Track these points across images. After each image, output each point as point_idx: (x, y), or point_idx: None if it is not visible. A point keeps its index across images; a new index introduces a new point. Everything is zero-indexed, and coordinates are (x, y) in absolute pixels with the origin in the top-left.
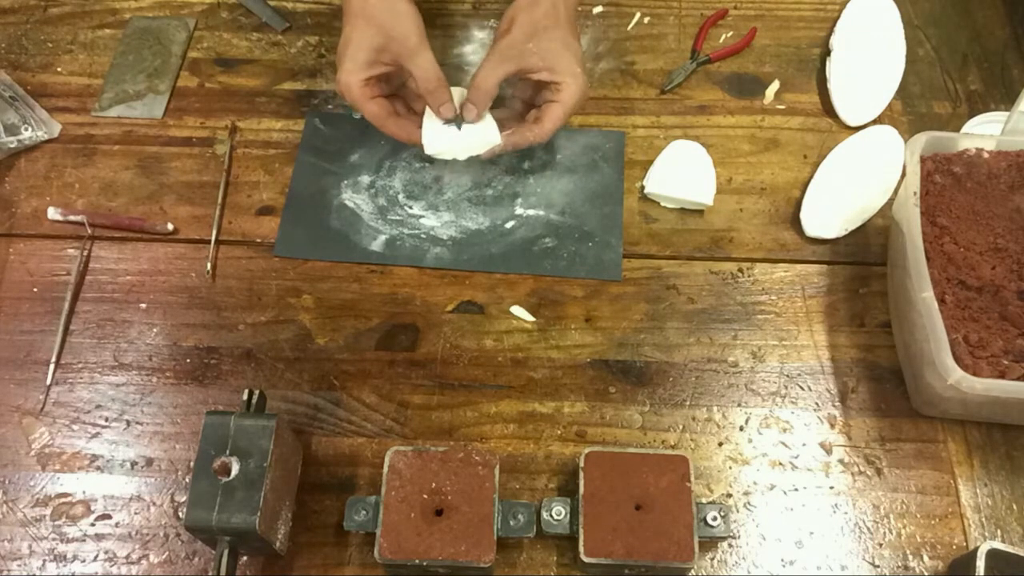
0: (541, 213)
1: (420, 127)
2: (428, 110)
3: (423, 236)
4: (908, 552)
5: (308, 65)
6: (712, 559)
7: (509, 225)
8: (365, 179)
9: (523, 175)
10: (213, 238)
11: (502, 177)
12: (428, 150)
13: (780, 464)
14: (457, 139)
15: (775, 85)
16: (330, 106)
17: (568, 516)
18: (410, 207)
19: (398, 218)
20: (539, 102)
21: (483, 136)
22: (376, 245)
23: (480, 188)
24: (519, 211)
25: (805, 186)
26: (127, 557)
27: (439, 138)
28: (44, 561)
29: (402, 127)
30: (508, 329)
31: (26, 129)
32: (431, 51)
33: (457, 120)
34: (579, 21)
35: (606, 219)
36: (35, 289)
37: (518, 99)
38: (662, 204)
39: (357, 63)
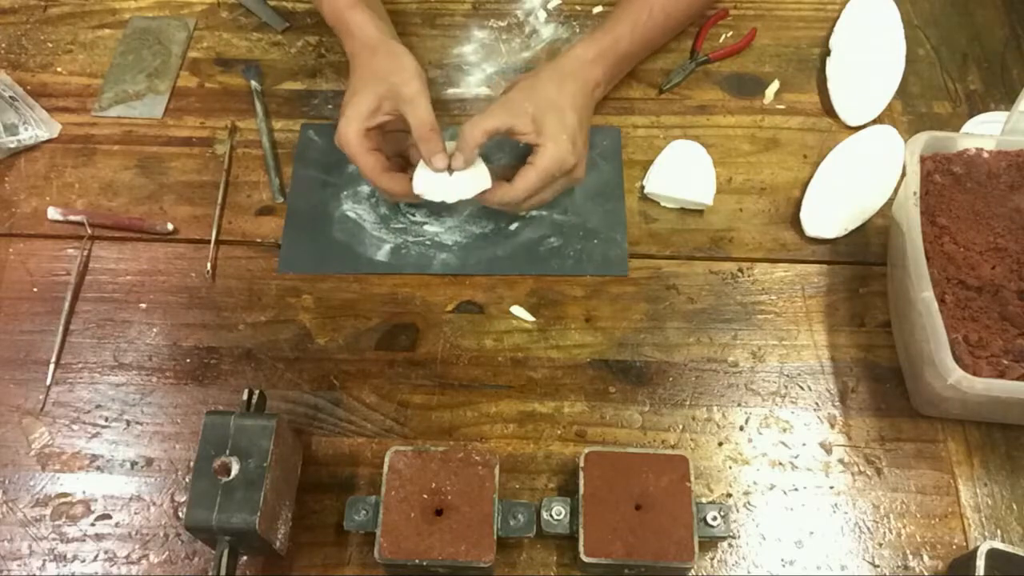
0: (544, 213)
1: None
2: (421, 162)
3: (428, 243)
4: (908, 552)
5: (308, 65)
6: (712, 559)
7: (513, 227)
8: (365, 189)
9: None
10: (213, 238)
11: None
12: (418, 191)
13: (780, 464)
14: (448, 183)
15: (775, 85)
16: (330, 106)
17: (568, 516)
18: (413, 214)
19: (401, 226)
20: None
21: (474, 182)
22: (381, 255)
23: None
24: (522, 212)
25: (805, 186)
26: (127, 557)
27: (430, 181)
28: (44, 561)
29: (396, 181)
30: (508, 329)
31: (26, 129)
32: (429, 101)
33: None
34: (593, 105)
35: (609, 215)
36: (35, 289)
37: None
38: (662, 204)
39: (358, 112)
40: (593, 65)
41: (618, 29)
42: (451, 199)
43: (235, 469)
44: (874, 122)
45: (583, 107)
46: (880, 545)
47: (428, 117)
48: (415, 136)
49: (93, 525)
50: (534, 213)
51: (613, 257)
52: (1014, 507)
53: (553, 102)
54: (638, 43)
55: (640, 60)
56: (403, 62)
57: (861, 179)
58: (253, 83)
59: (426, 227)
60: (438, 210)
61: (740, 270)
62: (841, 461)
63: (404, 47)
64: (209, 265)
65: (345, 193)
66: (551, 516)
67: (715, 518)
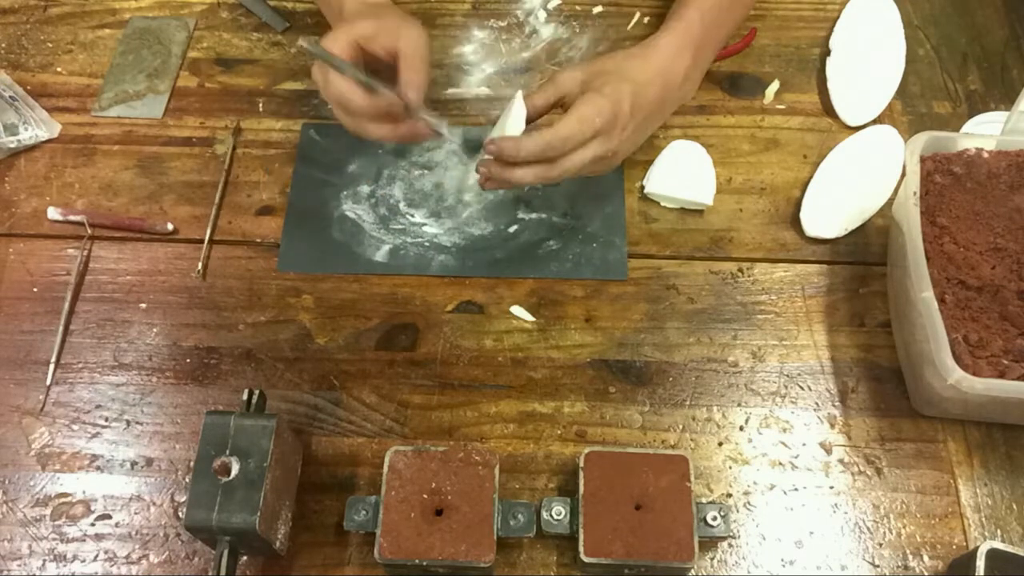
0: (544, 216)
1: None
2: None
3: (426, 244)
4: (908, 552)
5: (308, 65)
6: (712, 559)
7: (512, 229)
8: (365, 189)
9: None
10: (207, 237)
11: None
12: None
13: (780, 464)
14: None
15: (775, 85)
16: (329, 106)
17: (568, 516)
18: (412, 215)
19: (400, 227)
20: None
21: (515, 116)
22: (380, 255)
23: (482, 193)
24: (521, 215)
25: (805, 186)
26: (127, 557)
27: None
28: (44, 561)
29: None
30: (508, 329)
31: (26, 129)
32: (428, 45)
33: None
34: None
35: (608, 219)
36: (35, 289)
37: None
38: (662, 204)
39: (353, 27)
40: (682, 55)
41: (688, 14)
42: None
43: (235, 469)
44: (874, 122)
45: (652, 90)
46: (880, 545)
47: (421, 53)
48: (402, 61)
49: (93, 525)
50: (533, 215)
51: (612, 261)
52: (1014, 507)
53: (614, 71)
54: (711, 23)
55: (717, 47)
56: (408, 18)
57: (861, 179)
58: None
59: (425, 228)
60: (438, 211)
61: (740, 270)
62: (841, 461)
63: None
64: (200, 265)
65: (345, 193)
66: (551, 516)
67: (715, 518)
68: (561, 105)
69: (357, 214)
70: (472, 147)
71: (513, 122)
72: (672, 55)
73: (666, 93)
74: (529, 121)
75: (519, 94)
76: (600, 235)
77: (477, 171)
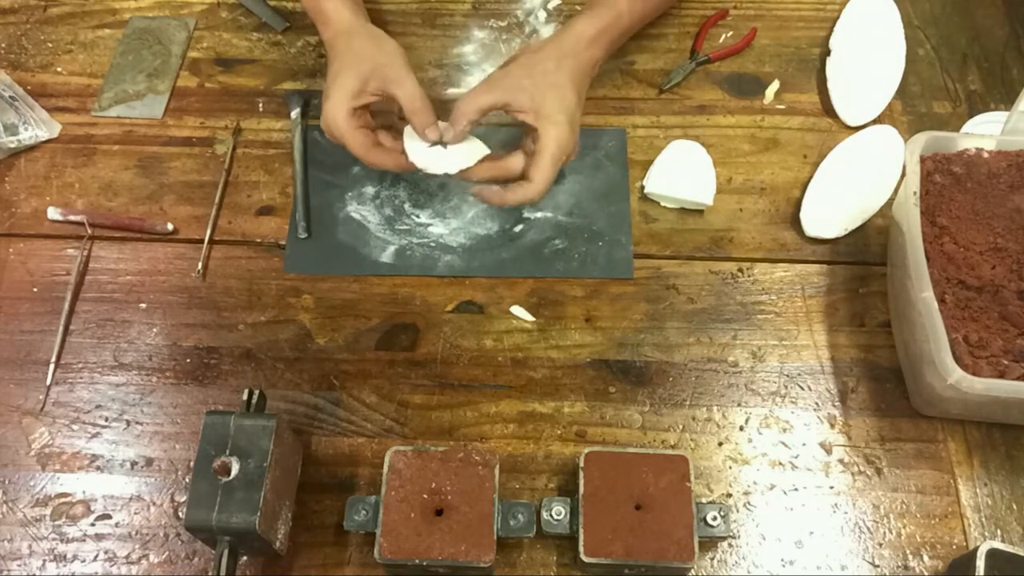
0: (549, 215)
1: (403, 152)
2: (408, 130)
3: (432, 244)
4: (908, 552)
5: (308, 65)
6: (712, 559)
7: (518, 229)
8: (370, 190)
9: None
10: (207, 237)
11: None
12: (413, 161)
13: (780, 464)
14: (442, 155)
15: (775, 85)
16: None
17: (568, 516)
18: (417, 216)
19: (406, 227)
20: (527, 150)
21: (469, 152)
22: (386, 256)
23: None
24: (527, 214)
25: (805, 186)
26: (127, 557)
27: (425, 153)
28: (44, 561)
29: (387, 155)
30: (508, 329)
31: (26, 129)
32: (414, 77)
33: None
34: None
35: (614, 217)
36: (35, 289)
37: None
38: (662, 204)
39: (344, 93)
40: (594, 44)
41: (619, 5)
42: (448, 170)
43: (235, 469)
44: (874, 122)
45: (581, 86)
46: (880, 545)
47: (416, 91)
48: (406, 111)
49: (93, 525)
50: (539, 214)
51: (618, 259)
52: (1014, 507)
53: (553, 80)
54: (637, 17)
55: (634, 33)
56: (383, 44)
57: (861, 179)
58: (294, 113)
59: (431, 229)
60: (443, 212)
61: (740, 270)
62: (841, 461)
63: (380, 30)
64: (200, 265)
65: (350, 194)
66: (551, 516)
67: (715, 518)
68: (503, 108)
69: (362, 215)
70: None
71: (468, 156)
72: (591, 41)
73: (589, 81)
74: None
75: (482, 146)
76: (606, 234)
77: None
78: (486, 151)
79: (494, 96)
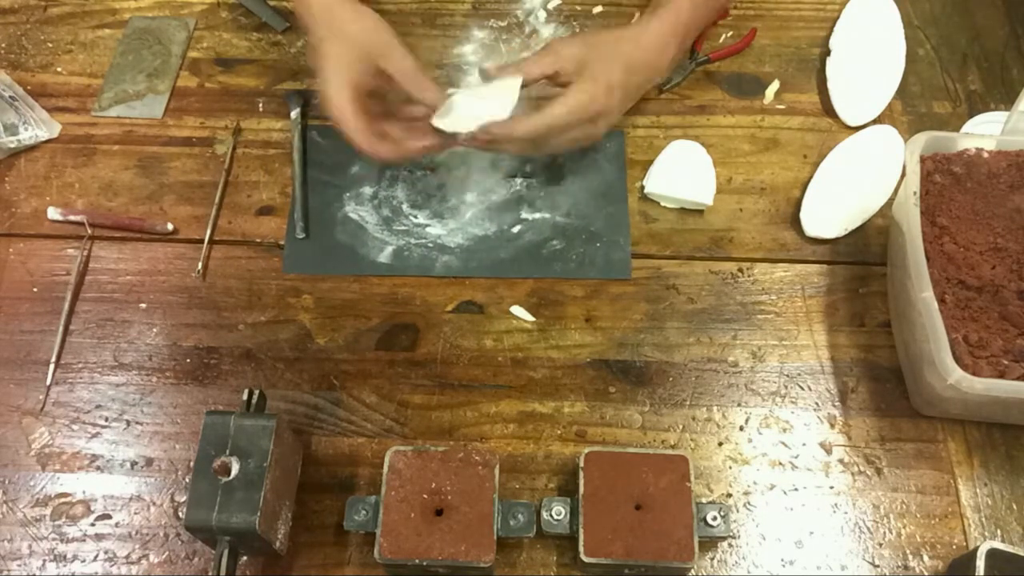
0: (547, 216)
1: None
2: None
3: (430, 245)
4: (908, 552)
5: (308, 65)
6: (712, 559)
7: (516, 229)
8: (367, 190)
9: (527, 179)
10: (207, 237)
11: (506, 182)
12: (439, 124)
13: (780, 464)
14: (473, 108)
15: (775, 85)
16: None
17: (568, 516)
18: (415, 216)
19: (404, 228)
20: None
21: (503, 99)
22: (384, 257)
23: (485, 194)
24: (525, 215)
25: (805, 186)
26: (127, 557)
27: (458, 110)
28: (44, 561)
29: (388, 147)
30: (508, 329)
31: (26, 129)
32: (404, 48)
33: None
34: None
35: (611, 218)
36: (35, 289)
37: None
38: (662, 204)
39: (341, 76)
40: (669, 44)
41: (680, 3)
42: (472, 124)
43: (235, 469)
44: (874, 122)
45: (633, 69)
46: (880, 545)
47: (408, 63)
48: (401, 82)
49: (93, 525)
50: (536, 215)
51: (616, 260)
52: (1014, 507)
53: (604, 53)
54: (700, 14)
55: (698, 31)
56: (367, 21)
57: (861, 179)
58: (294, 113)
59: (428, 229)
60: (441, 212)
61: (740, 270)
62: (841, 461)
63: (364, 5)
64: (200, 265)
65: (348, 195)
66: (551, 516)
67: (715, 518)
68: (551, 77)
69: (360, 215)
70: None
71: (505, 103)
72: (662, 43)
73: (650, 78)
74: (522, 86)
75: (519, 81)
76: (603, 234)
77: (459, 140)
78: (514, 100)
79: (547, 62)
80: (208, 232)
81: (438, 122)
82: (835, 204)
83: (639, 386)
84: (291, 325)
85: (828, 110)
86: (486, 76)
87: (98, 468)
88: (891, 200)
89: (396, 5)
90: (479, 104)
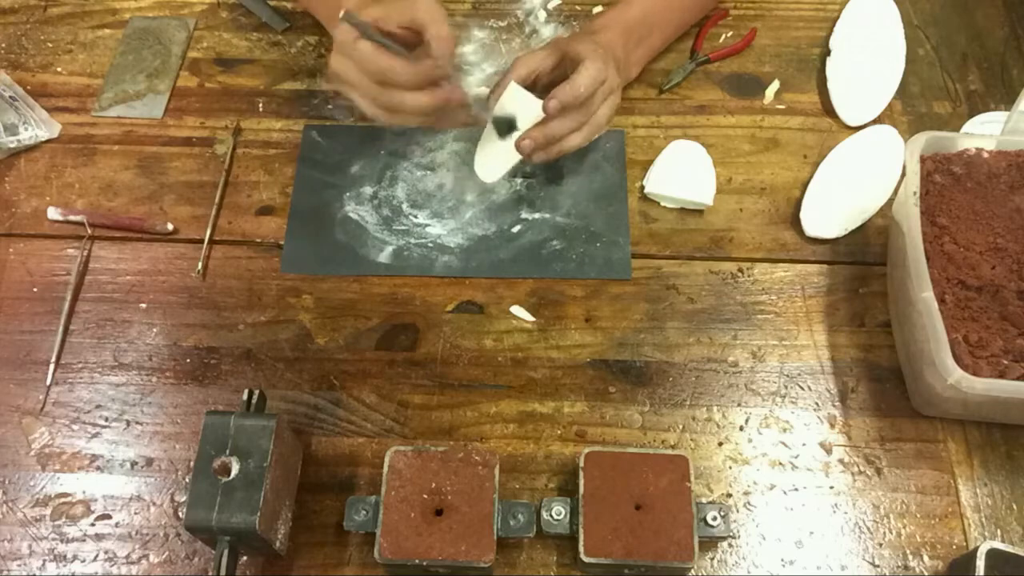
0: (547, 216)
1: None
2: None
3: (430, 245)
4: (908, 552)
5: (308, 65)
6: (712, 559)
7: (516, 229)
8: (367, 190)
9: (526, 179)
10: (207, 237)
11: (506, 182)
12: (483, 175)
13: (780, 464)
14: (505, 151)
15: (775, 85)
16: (330, 106)
17: (568, 516)
18: (415, 216)
19: (404, 228)
20: None
21: (529, 111)
22: (383, 257)
23: (485, 193)
24: (525, 215)
25: (805, 186)
26: (127, 557)
27: (489, 155)
28: (44, 561)
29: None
30: (508, 329)
31: (26, 129)
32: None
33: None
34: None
35: (612, 218)
36: (35, 289)
37: None
38: (662, 204)
39: (368, 11)
40: (610, 27)
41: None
42: (513, 159)
43: (235, 469)
44: (874, 122)
45: (623, 48)
46: (880, 545)
47: (451, 35)
48: (436, 49)
49: (93, 525)
50: (536, 215)
51: (616, 260)
52: (1014, 507)
53: (600, 38)
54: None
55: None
56: None
57: (861, 179)
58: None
59: (428, 229)
60: (441, 212)
61: (740, 270)
62: (841, 461)
63: None
64: (200, 265)
65: (348, 194)
66: (551, 516)
67: (715, 518)
68: (554, 65)
69: (360, 215)
70: (500, 126)
71: (525, 102)
72: (618, 42)
73: (630, 52)
74: (522, 81)
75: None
76: (603, 234)
77: (517, 147)
78: (538, 110)
79: (545, 53)
80: (208, 232)
81: (486, 175)
82: (835, 204)
83: (639, 386)
84: (291, 325)
85: (828, 110)
86: (487, 105)
87: (98, 468)
88: (891, 200)
89: None
90: (523, 97)
